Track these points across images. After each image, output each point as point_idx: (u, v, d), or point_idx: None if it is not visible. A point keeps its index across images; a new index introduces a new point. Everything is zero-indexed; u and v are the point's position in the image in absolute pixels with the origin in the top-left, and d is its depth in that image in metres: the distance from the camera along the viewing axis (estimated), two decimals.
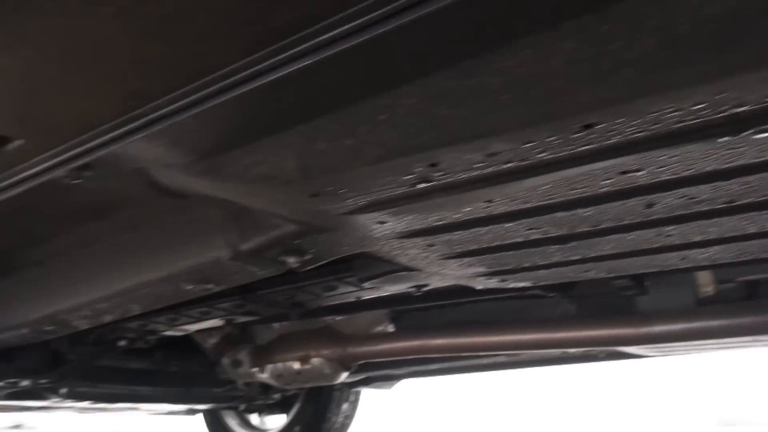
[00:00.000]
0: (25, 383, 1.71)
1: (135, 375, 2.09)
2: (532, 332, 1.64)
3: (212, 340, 2.10)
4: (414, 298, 1.65)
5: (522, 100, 0.60)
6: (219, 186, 0.82)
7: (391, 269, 1.24)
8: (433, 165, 0.71)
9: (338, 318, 1.95)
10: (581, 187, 0.78)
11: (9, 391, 1.74)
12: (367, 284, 1.33)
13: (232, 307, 1.49)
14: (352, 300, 1.49)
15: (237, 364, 2.03)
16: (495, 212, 0.86)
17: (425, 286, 1.38)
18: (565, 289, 1.56)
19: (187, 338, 2.05)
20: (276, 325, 2.06)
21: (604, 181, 0.76)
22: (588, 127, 0.63)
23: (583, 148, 0.67)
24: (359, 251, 1.09)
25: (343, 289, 1.38)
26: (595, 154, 0.68)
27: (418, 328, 1.88)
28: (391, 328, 1.99)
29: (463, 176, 0.74)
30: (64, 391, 1.84)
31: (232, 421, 2.85)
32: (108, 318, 1.35)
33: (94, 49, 0.56)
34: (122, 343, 1.74)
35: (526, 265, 1.10)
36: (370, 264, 1.27)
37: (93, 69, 0.59)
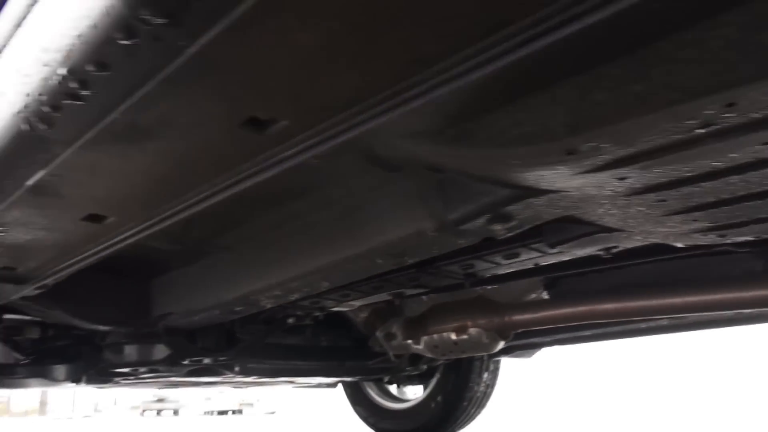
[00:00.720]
0: (206, 361, 1.83)
1: (292, 351, 2.18)
2: (718, 292, 1.51)
3: (363, 315, 2.14)
4: (572, 263, 1.57)
5: None
6: (463, 153, 0.79)
7: (589, 231, 1.17)
8: (730, 105, 0.63)
9: (489, 287, 1.91)
10: None
11: (192, 368, 1.87)
12: (555, 249, 1.27)
13: (405, 280, 1.48)
14: (530, 267, 1.44)
15: (390, 336, 2.05)
16: (765, 156, 0.77)
17: (616, 247, 1.30)
18: (759, 243, 1.42)
19: (333, 314, 2.10)
20: (425, 296, 2.05)
21: None
22: None
23: None
24: (570, 214, 1.03)
25: (525, 255, 1.33)
26: None
27: (578, 293, 1.80)
28: (545, 295, 1.93)
29: (756, 115, 0.66)
30: (237, 367, 1.95)
31: (371, 392, 2.94)
32: (295, 296, 1.39)
33: (398, 8, 0.53)
34: (290, 320, 1.81)
35: (761, 216, 0.99)
36: (561, 227, 1.21)
37: (389, 33, 0.56)
